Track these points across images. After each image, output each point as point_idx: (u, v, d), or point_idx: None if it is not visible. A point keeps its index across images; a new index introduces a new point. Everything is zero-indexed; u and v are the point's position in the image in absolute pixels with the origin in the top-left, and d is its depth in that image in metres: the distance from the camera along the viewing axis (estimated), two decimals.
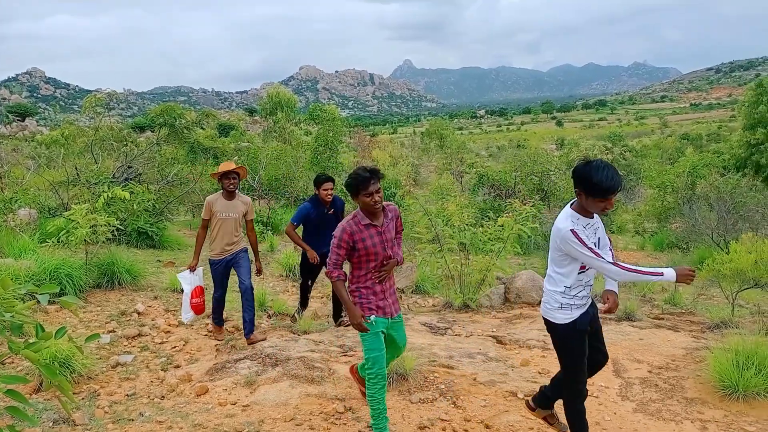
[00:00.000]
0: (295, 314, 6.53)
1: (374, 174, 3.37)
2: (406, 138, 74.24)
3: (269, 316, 7.08)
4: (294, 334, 5.87)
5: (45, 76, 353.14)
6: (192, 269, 5.50)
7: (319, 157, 19.65)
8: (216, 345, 5.55)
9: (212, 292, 5.70)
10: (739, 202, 11.79)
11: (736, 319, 6.11)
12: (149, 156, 11.77)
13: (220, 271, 5.46)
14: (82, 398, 4.13)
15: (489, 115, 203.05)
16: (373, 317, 3.37)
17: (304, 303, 6.60)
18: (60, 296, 2.19)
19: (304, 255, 5.91)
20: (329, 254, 3.38)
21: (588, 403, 3.87)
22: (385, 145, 35.79)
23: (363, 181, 3.32)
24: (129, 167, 10.56)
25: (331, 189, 5.83)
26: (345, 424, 3.66)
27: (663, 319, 6.28)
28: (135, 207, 8.61)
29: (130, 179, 10.49)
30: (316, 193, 5.77)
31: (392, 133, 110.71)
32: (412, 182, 19.50)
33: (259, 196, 16.01)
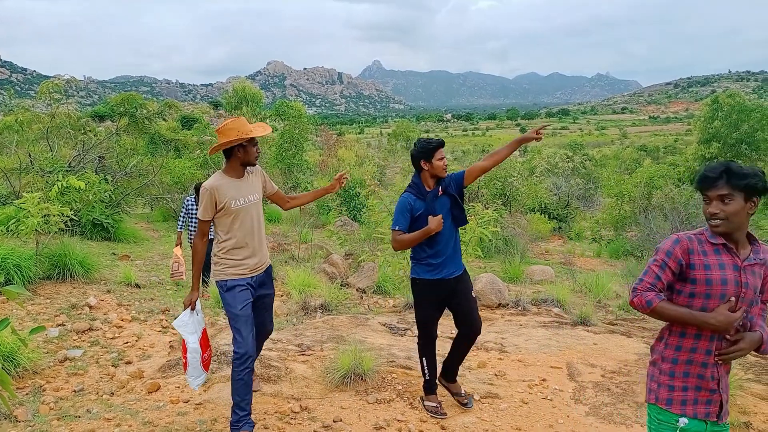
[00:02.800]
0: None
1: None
2: (372, 138, 74.32)
3: (177, 284, 7.02)
4: None
5: (0, 60, 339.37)
6: (192, 306, 3.45)
7: (284, 154, 19.45)
8: (170, 341, 5.41)
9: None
10: (692, 213, 12.19)
11: None
12: (108, 146, 11.40)
13: (248, 303, 3.37)
14: (26, 393, 3.97)
15: (455, 120, 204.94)
16: (684, 421, 2.12)
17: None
18: (6, 286, 2.09)
19: (425, 285, 3.67)
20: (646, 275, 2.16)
21: (542, 406, 3.94)
22: (352, 145, 35.74)
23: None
24: (100, 157, 10.24)
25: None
26: (300, 423, 3.61)
27: (617, 324, 6.43)
28: (90, 197, 8.33)
29: (94, 168, 10.17)
30: (422, 168, 3.55)
31: (359, 133, 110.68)
32: (377, 183, 19.49)
33: None
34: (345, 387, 4.12)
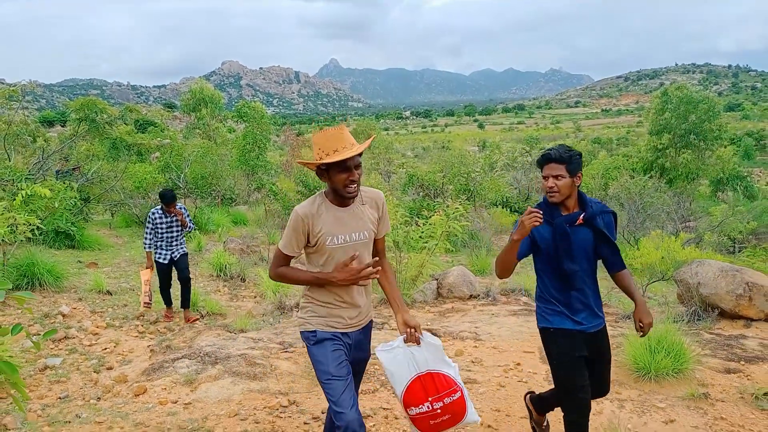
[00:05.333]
0: None
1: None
2: None
3: (202, 316, 6.98)
4: (231, 333, 5.84)
5: None
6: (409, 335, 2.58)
7: (246, 156, 19.33)
8: (149, 346, 5.43)
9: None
10: (647, 202, 12.75)
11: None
12: (67, 152, 11.16)
13: (343, 361, 2.51)
14: (10, 403, 3.96)
15: (414, 117, 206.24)
16: None
17: None
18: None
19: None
20: None
21: (518, 388, 4.16)
22: (313, 145, 35.60)
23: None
24: (74, 168, 10.01)
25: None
26: (290, 416, 3.73)
27: None
28: (57, 205, 8.18)
29: (66, 173, 9.93)
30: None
31: (319, 129, 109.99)
32: None
33: (184, 195, 15.56)
34: None
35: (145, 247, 6.47)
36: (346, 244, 2.47)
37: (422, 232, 7.53)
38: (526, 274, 9.37)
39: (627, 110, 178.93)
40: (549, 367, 4.53)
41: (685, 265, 6.55)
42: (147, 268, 6.50)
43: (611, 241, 2.77)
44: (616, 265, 2.83)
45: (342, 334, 2.53)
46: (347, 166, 2.35)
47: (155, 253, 6.49)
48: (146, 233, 6.44)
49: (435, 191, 15.19)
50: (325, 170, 2.41)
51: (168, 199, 6.32)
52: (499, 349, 4.97)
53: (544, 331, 2.89)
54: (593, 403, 3.90)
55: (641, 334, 2.81)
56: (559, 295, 2.79)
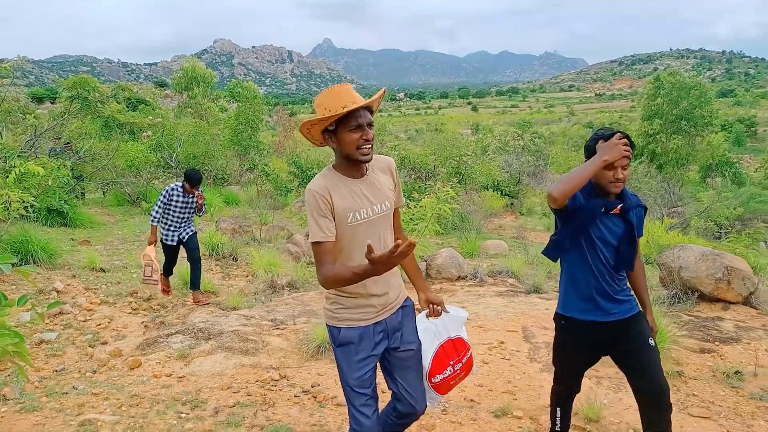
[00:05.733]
0: None
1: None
2: None
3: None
4: (223, 310, 5.96)
5: None
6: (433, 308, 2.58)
7: (239, 136, 19.30)
8: (143, 322, 5.55)
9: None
10: (636, 187, 12.92)
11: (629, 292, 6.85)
12: (59, 130, 11.15)
13: (368, 372, 2.31)
14: (8, 375, 4.07)
15: (408, 98, 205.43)
16: None
17: None
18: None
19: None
20: None
21: (501, 365, 4.33)
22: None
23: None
24: (67, 144, 9.97)
25: None
26: (281, 390, 3.87)
27: None
28: (50, 183, 8.23)
29: (58, 151, 9.92)
30: None
31: (312, 113, 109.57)
32: (332, 163, 19.64)
33: (176, 175, 15.58)
34: (320, 356, 4.40)
35: (152, 221, 6.06)
36: (369, 218, 2.19)
37: (413, 214, 7.65)
38: (514, 256, 9.54)
39: (620, 95, 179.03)
40: (530, 346, 4.71)
41: (668, 249, 6.72)
42: (150, 243, 6.08)
43: (633, 239, 2.59)
44: (623, 263, 2.60)
45: (374, 325, 2.27)
46: (359, 124, 2.07)
47: (162, 233, 6.20)
48: (156, 206, 6.03)
49: (427, 174, 15.31)
50: (332, 132, 2.11)
51: (194, 180, 5.98)
52: (484, 328, 5.13)
53: (558, 317, 2.77)
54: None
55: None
56: (577, 279, 2.63)
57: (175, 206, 6.08)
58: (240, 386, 3.89)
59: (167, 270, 6.51)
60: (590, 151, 2.57)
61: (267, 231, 11.30)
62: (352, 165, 2.19)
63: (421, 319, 2.55)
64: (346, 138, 2.09)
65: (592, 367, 4.28)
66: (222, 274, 8.49)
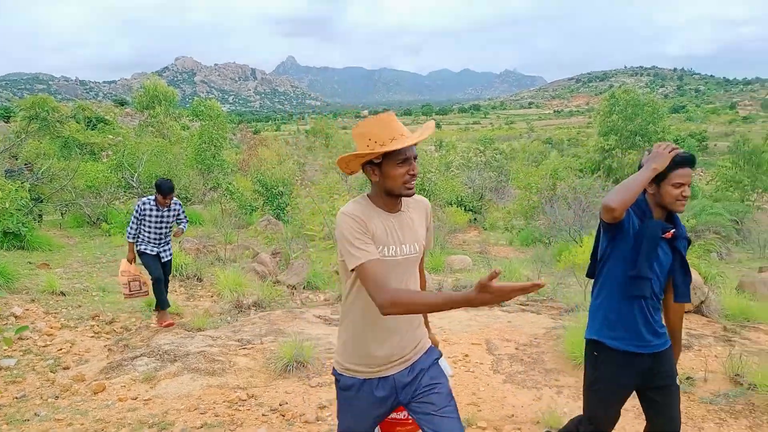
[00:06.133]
0: None
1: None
2: (290, 136, 73.65)
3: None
4: (188, 331, 5.92)
5: None
6: None
7: (202, 155, 19.16)
8: (106, 345, 5.46)
9: None
10: (593, 201, 13.34)
11: (588, 302, 7.08)
12: (15, 151, 10.91)
13: (365, 417, 2.12)
14: None
15: (372, 116, 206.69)
16: None
17: None
18: None
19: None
20: None
21: (465, 377, 4.43)
22: (270, 143, 35.48)
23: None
24: (27, 164, 9.71)
25: None
26: (249, 409, 3.89)
27: (528, 305, 7.10)
28: (7, 206, 8.03)
29: (15, 172, 9.68)
30: (646, 190, 2.49)
31: (276, 131, 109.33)
32: (299, 181, 19.68)
33: (138, 195, 15.35)
34: (288, 374, 4.43)
35: (128, 237, 5.87)
36: (396, 257, 2.00)
37: None
38: (477, 270, 9.73)
39: (578, 111, 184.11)
40: (493, 358, 4.83)
41: None
42: (129, 260, 5.95)
43: (688, 270, 2.48)
44: (684, 296, 2.48)
45: (377, 380, 2.05)
46: (407, 157, 1.94)
47: (140, 247, 5.93)
48: (130, 223, 5.86)
49: None
50: (377, 165, 1.96)
51: (165, 189, 5.73)
52: (449, 342, 5.24)
53: (593, 345, 2.56)
54: (534, 390, 4.22)
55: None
56: (620, 305, 2.46)
57: (150, 221, 5.86)
58: (207, 407, 3.89)
59: (159, 293, 6.02)
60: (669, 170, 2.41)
61: (232, 250, 11.22)
62: (391, 199, 2.02)
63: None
64: (393, 172, 1.94)
65: (552, 374, 4.45)
66: (186, 295, 8.40)
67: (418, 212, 2.14)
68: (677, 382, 2.53)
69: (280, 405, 3.94)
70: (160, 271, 6.01)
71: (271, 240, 11.55)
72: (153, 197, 5.86)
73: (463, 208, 18.42)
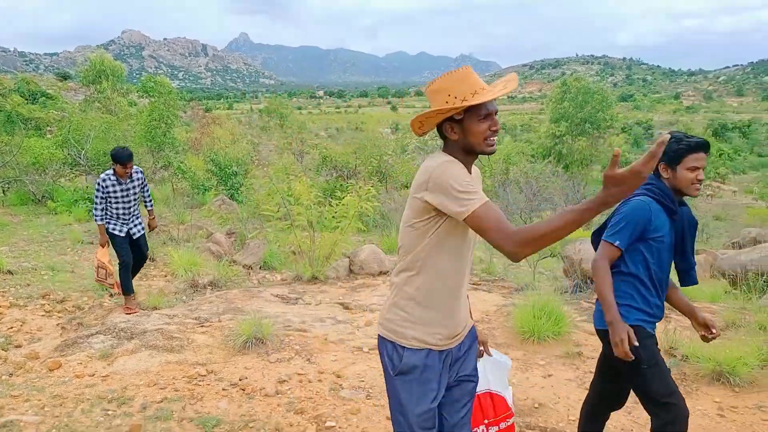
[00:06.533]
0: None
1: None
2: (243, 115, 72.30)
3: (111, 295, 6.92)
4: (144, 310, 5.88)
5: None
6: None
7: (152, 132, 18.63)
8: (59, 324, 5.39)
9: None
10: (543, 186, 13.78)
11: (536, 282, 7.40)
12: None
13: (433, 410, 1.94)
14: None
15: (328, 96, 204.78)
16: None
17: None
18: None
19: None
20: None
21: None
22: (223, 122, 34.79)
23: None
24: None
25: None
26: (209, 384, 3.94)
27: (480, 284, 7.36)
28: None
29: None
30: (660, 174, 2.50)
31: (228, 109, 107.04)
32: (253, 161, 19.45)
33: (85, 172, 14.87)
34: (247, 351, 4.50)
35: (96, 220, 5.62)
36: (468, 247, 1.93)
37: (335, 212, 7.83)
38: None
39: (531, 98, 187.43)
40: None
41: (570, 243, 7.31)
42: (101, 244, 5.75)
43: (692, 249, 2.56)
44: (689, 278, 2.61)
45: (444, 352, 1.95)
46: (490, 112, 1.84)
47: (109, 226, 5.68)
48: (95, 204, 5.59)
49: (348, 172, 15.51)
50: (457, 122, 1.85)
51: (124, 157, 5.42)
52: None
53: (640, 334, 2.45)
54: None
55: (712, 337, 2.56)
56: (650, 297, 2.51)
57: (115, 197, 5.58)
58: (167, 382, 3.93)
59: (125, 278, 5.78)
60: (666, 155, 2.45)
61: (185, 230, 11.08)
62: (469, 159, 1.92)
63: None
64: (475, 128, 1.83)
65: (502, 348, 4.67)
66: (139, 275, 8.26)
67: (477, 177, 2.05)
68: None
69: (240, 380, 4.02)
70: (130, 256, 5.81)
71: (226, 220, 11.45)
72: (111, 171, 5.59)
73: None
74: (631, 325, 2.41)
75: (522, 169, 15.41)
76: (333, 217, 7.86)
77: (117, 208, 5.65)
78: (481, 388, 2.20)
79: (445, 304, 1.92)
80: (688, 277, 2.60)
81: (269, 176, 8.77)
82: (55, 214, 11.88)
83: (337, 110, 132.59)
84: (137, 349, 4.43)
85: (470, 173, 1.91)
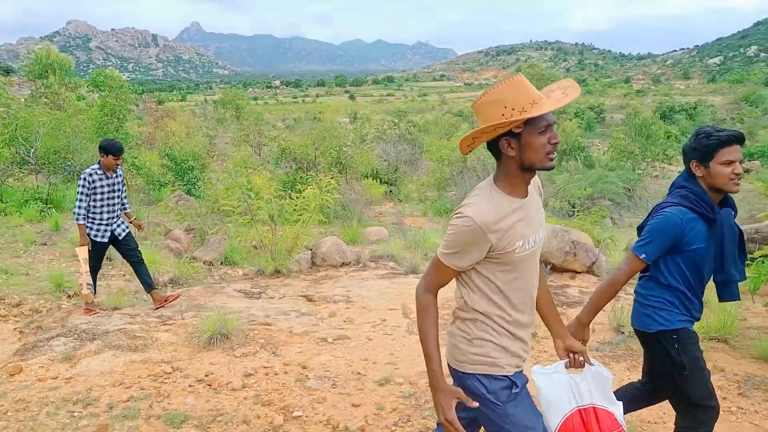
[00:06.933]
0: None
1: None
2: (197, 107, 70.76)
3: (69, 297, 6.81)
4: (104, 310, 5.83)
5: None
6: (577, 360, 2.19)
7: (104, 128, 18.14)
8: (17, 328, 5.30)
9: None
10: None
11: None
12: None
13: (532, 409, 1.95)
14: None
15: (284, 86, 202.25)
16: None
17: None
18: None
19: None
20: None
21: (383, 340, 4.75)
22: (177, 115, 34.05)
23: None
24: None
25: None
26: (174, 381, 3.98)
27: None
28: None
29: None
30: (694, 174, 2.42)
31: (181, 101, 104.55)
32: (210, 155, 19.18)
33: (35, 171, 14.42)
34: (212, 347, 4.54)
35: (78, 219, 5.28)
36: (534, 248, 1.85)
37: (296, 206, 7.88)
38: (393, 241, 10.09)
39: (487, 84, 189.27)
40: (409, 321, 5.17)
41: None
42: (82, 245, 5.36)
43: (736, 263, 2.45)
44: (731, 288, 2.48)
45: (519, 373, 1.95)
46: (549, 124, 1.71)
47: (91, 230, 5.40)
48: (78, 200, 5.24)
49: (308, 164, 15.49)
50: (515, 136, 1.72)
51: (118, 148, 5.23)
52: (368, 309, 5.54)
53: (666, 335, 2.41)
54: (445, 347, 4.60)
55: None
56: (691, 304, 2.44)
57: (101, 193, 5.31)
58: (132, 381, 3.95)
59: (95, 272, 5.70)
60: (685, 157, 2.42)
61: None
62: (522, 180, 1.79)
63: (557, 370, 2.12)
64: (535, 142, 1.70)
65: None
66: (98, 275, 8.16)
67: (535, 192, 1.93)
68: None
69: (206, 375, 4.07)
70: (100, 264, 5.78)
71: (184, 216, 11.32)
72: (96, 166, 5.34)
73: (378, 181, 18.76)
74: (675, 329, 2.39)
75: (479, 156, 15.67)
76: (294, 210, 7.91)
77: (103, 206, 5.39)
78: (582, 402, 2.07)
79: (516, 333, 1.94)
80: (726, 291, 2.46)
81: (227, 170, 8.70)
82: (5, 215, 11.52)
83: (295, 100, 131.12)
84: (100, 350, 4.42)
85: (526, 192, 1.82)
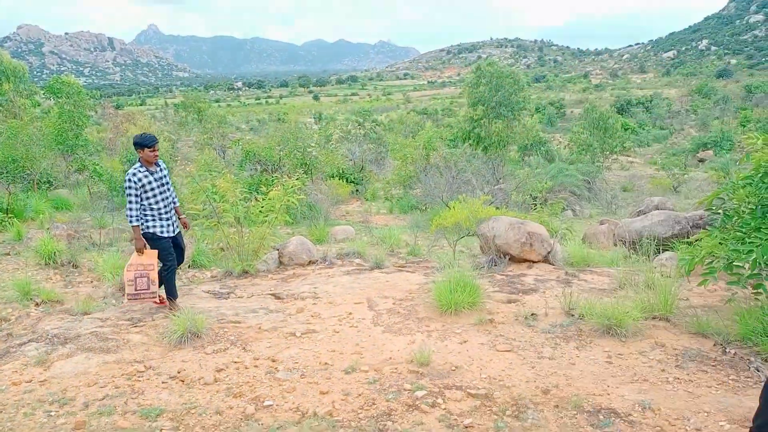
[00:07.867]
0: None
1: None
2: (157, 110, 69.56)
3: (37, 304, 6.82)
4: (74, 316, 5.90)
5: None
6: None
7: (63, 135, 17.87)
8: None
9: None
10: (462, 169, 14.44)
11: (457, 260, 7.92)
12: None
13: None
14: None
15: (247, 87, 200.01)
16: None
17: None
18: None
19: None
20: None
21: (350, 332, 4.97)
22: (137, 119, 33.52)
23: None
24: None
25: None
26: (148, 379, 4.13)
27: (406, 267, 7.81)
28: None
29: None
30: None
31: (140, 105, 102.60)
32: (173, 159, 19.04)
33: None
34: (183, 345, 4.70)
35: (131, 221, 5.08)
36: None
37: (262, 207, 8.03)
38: (360, 239, 10.33)
39: (450, 82, 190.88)
40: (374, 313, 5.41)
41: (484, 221, 7.88)
42: (138, 250, 5.16)
43: None
44: None
45: None
46: None
47: (155, 227, 5.23)
48: (129, 203, 5.05)
49: (273, 166, 15.58)
50: None
51: (151, 139, 5.05)
52: (334, 304, 5.75)
53: None
54: (409, 336, 4.84)
55: None
56: None
57: (152, 189, 5.13)
58: (106, 381, 4.08)
59: (172, 284, 5.52)
60: None
61: (106, 234, 10.90)
62: None
63: None
64: None
65: (423, 322, 5.11)
66: (63, 282, 8.16)
67: None
68: None
69: (179, 372, 4.23)
70: (174, 258, 5.48)
71: None
72: (137, 165, 5.15)
73: (345, 180, 18.96)
74: None
75: (441, 154, 16.04)
76: (260, 211, 8.06)
77: (157, 202, 5.20)
78: None
79: None
80: None
81: (191, 174, 8.79)
82: None
83: (258, 101, 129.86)
84: (73, 353, 4.53)
85: None
